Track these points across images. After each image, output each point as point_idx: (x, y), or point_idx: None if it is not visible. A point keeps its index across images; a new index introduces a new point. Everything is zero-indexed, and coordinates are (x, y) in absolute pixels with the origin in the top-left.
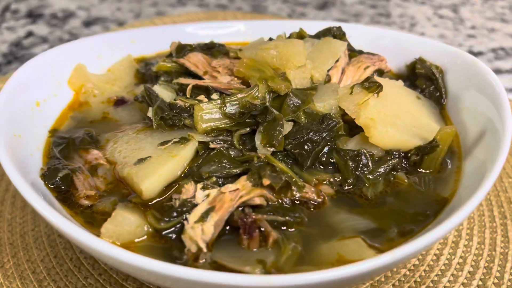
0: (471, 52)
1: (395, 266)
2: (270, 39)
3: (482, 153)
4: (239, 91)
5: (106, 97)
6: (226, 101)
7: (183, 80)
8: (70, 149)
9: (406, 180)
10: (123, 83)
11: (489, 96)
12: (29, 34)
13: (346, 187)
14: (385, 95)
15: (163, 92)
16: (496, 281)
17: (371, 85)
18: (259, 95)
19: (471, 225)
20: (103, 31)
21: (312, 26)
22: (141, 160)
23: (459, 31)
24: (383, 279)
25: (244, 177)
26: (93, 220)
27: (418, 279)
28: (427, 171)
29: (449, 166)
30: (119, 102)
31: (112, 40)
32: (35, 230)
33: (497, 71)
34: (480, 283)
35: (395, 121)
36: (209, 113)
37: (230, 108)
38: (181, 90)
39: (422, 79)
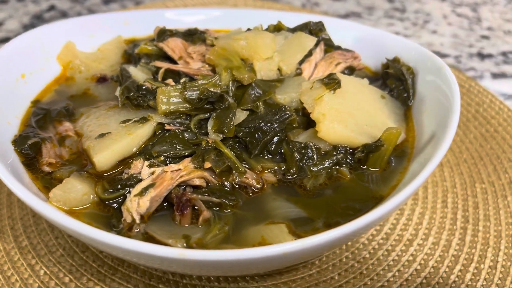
0: (479, 54)
1: (306, 255)
2: (248, 29)
3: (423, 157)
4: (202, 78)
5: (91, 74)
6: (187, 86)
7: (158, 63)
8: (47, 119)
9: (348, 176)
10: (109, 62)
11: (444, 104)
12: (51, 8)
13: (289, 177)
14: (345, 92)
15: (138, 73)
16: (442, 277)
17: (330, 81)
18: (221, 83)
19: (431, 225)
20: (120, 9)
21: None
22: (101, 135)
23: (474, 31)
24: (330, 268)
25: (188, 159)
26: (50, 185)
27: (365, 271)
28: (374, 169)
29: (396, 166)
30: (101, 79)
31: (105, 21)
32: None
33: (502, 75)
34: (424, 281)
35: (347, 118)
36: (170, 96)
37: (190, 93)
38: (157, 72)
39: (393, 79)
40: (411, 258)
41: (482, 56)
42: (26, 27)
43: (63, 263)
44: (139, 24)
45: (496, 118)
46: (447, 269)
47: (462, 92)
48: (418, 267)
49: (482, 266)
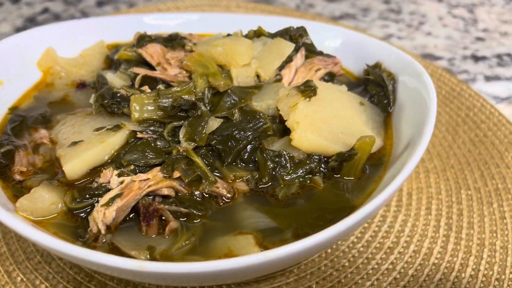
0: (473, 56)
1: (271, 267)
2: (228, 35)
3: (398, 166)
4: (178, 85)
5: (71, 79)
6: (160, 93)
7: (136, 70)
8: (23, 127)
9: (322, 185)
10: (90, 68)
11: (421, 111)
12: (45, 10)
13: (261, 186)
14: (321, 99)
15: (115, 79)
16: (422, 287)
17: (306, 89)
18: (196, 90)
19: (413, 233)
20: (113, 11)
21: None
22: (74, 143)
23: (469, 33)
24: (308, 276)
25: (157, 168)
26: (20, 194)
27: (343, 280)
28: (348, 178)
29: (372, 175)
30: (81, 85)
31: (88, 26)
32: None
33: (495, 78)
34: None
35: (321, 126)
36: (143, 104)
37: (164, 101)
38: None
39: (373, 85)
40: (390, 266)
41: (476, 58)
42: (19, 30)
43: (40, 270)
44: (123, 29)
45: (486, 122)
46: (426, 279)
47: (452, 95)
48: (397, 276)
49: (463, 275)
